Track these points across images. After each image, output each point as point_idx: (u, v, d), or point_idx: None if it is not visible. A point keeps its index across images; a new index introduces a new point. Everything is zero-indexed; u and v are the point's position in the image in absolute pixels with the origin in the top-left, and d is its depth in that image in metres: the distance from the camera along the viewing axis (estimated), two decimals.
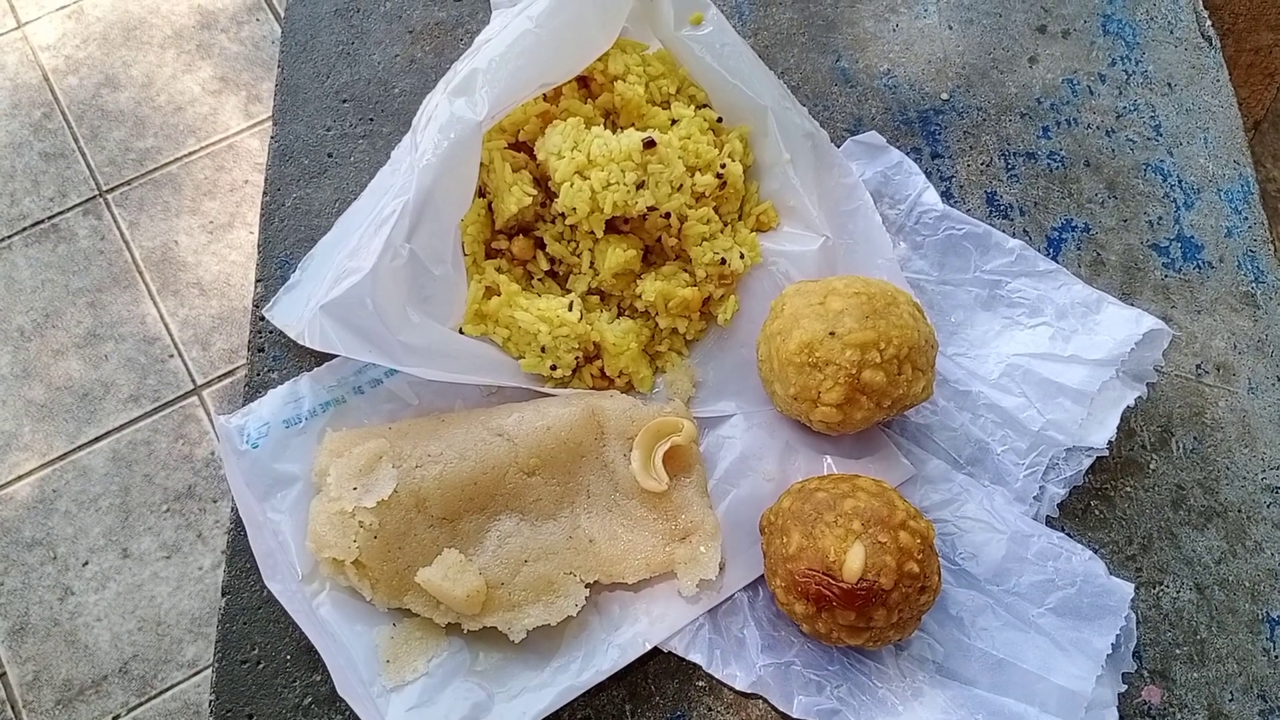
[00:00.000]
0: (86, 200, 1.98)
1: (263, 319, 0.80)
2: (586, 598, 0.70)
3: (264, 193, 0.85)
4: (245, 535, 0.71)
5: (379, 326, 0.71)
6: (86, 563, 1.69)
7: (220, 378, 1.79)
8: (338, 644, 0.69)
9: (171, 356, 1.84)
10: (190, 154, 2.03)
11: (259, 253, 0.83)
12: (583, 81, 0.81)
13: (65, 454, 1.76)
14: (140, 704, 1.61)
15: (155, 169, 2.02)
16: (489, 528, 0.71)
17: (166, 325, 1.87)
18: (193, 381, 1.81)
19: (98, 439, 1.77)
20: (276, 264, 0.83)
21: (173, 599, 1.67)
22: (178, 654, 1.64)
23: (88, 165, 2.02)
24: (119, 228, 1.96)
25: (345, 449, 0.72)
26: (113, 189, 2.00)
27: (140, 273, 1.91)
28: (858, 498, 0.66)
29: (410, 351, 0.72)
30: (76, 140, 2.04)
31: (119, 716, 1.60)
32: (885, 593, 0.63)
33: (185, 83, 2.09)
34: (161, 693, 1.62)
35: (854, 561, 0.63)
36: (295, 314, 0.77)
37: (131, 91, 2.10)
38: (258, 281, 0.82)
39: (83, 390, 1.81)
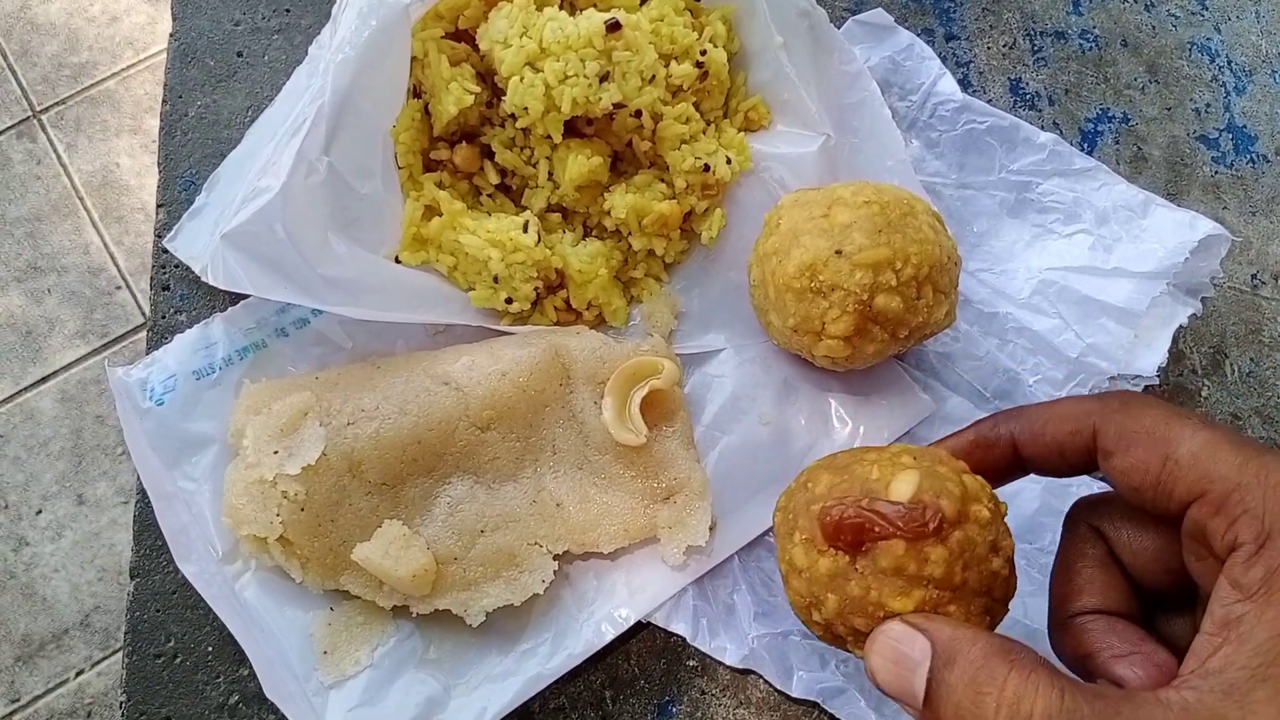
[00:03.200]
0: (19, 122, 1.83)
1: (165, 251, 0.68)
2: (555, 571, 0.60)
3: (163, 101, 0.72)
4: (153, 509, 0.60)
5: (294, 257, 0.59)
6: (40, 511, 1.59)
7: None
8: (266, 634, 0.59)
9: (119, 288, 1.72)
10: (129, 68, 1.87)
11: (159, 172, 0.70)
12: None
13: (10, 396, 1.65)
14: (105, 657, 1.53)
15: (92, 85, 1.86)
16: (437, 493, 0.60)
17: (111, 255, 1.74)
18: (142, 314, 1.70)
19: (44, 379, 1.66)
20: (180, 185, 0.70)
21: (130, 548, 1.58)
22: None
23: (19, 84, 1.86)
24: (55, 150, 1.81)
25: (265, 404, 0.60)
26: (47, 109, 1.84)
27: (81, 199, 1.77)
28: (907, 449, 0.49)
29: (334, 286, 0.60)
30: (5, 57, 1.88)
31: (82, 671, 1.52)
32: (948, 523, 0.44)
33: None
34: (123, 646, 1.54)
35: (905, 481, 0.45)
36: (200, 244, 0.65)
37: (63, 2, 1.93)
38: (159, 207, 0.69)
39: (25, 328, 1.69)
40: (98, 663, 1.52)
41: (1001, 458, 0.48)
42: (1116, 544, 0.47)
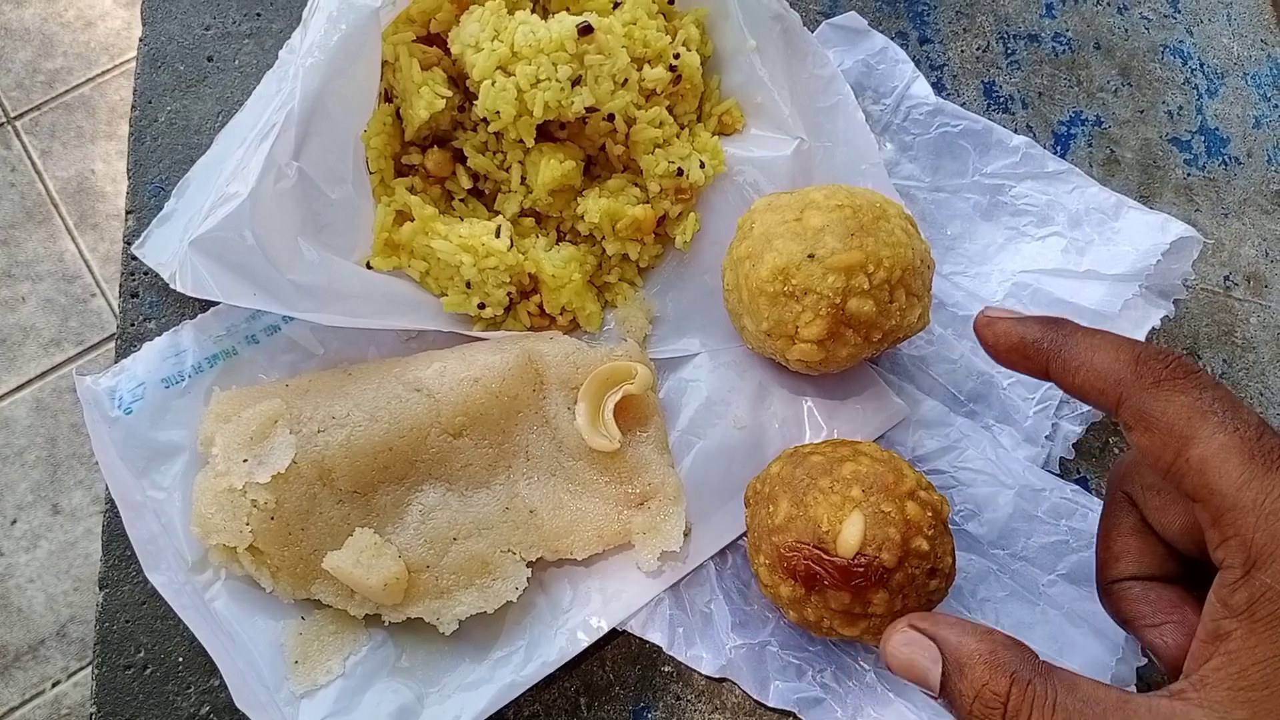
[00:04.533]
0: None
1: (134, 258, 0.67)
2: (529, 578, 0.59)
3: (133, 106, 0.71)
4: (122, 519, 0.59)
5: (263, 264, 0.58)
6: (15, 521, 1.57)
7: None
8: (236, 644, 0.58)
9: (94, 296, 1.70)
10: (104, 73, 1.86)
11: (129, 178, 0.69)
12: None
13: None
14: (82, 668, 1.51)
15: (66, 91, 1.85)
16: (409, 501, 0.60)
17: (86, 262, 1.72)
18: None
19: (18, 388, 1.64)
20: (149, 191, 0.69)
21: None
22: None
23: None
24: (30, 157, 1.80)
25: (234, 412, 0.60)
26: (21, 115, 1.83)
27: (55, 205, 1.76)
28: (859, 462, 0.55)
29: (304, 293, 0.60)
30: None
31: (59, 682, 1.50)
32: (887, 571, 0.51)
33: None
34: (93, 657, 1.52)
35: (851, 533, 0.52)
36: (169, 251, 0.65)
37: (37, 7, 1.92)
38: (128, 213, 0.69)
39: (0, 336, 1.67)
40: (74, 673, 1.51)
41: (1035, 369, 0.47)
42: (1147, 513, 0.49)
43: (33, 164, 1.80)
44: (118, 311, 0.67)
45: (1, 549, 1.56)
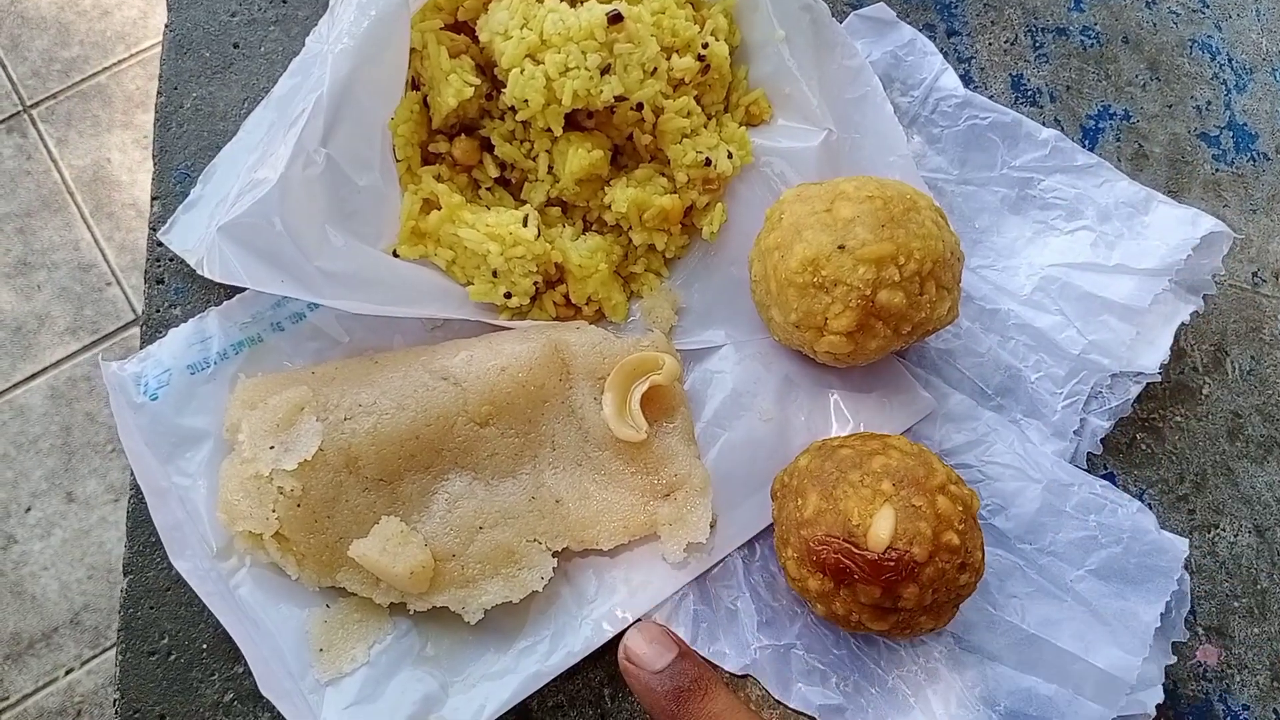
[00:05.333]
0: (9, 117, 1.81)
1: (160, 244, 0.67)
2: (554, 568, 0.59)
3: (158, 93, 0.71)
4: (147, 504, 0.59)
5: (291, 250, 0.58)
6: (29, 508, 1.57)
7: None
8: (261, 631, 0.58)
9: (109, 284, 1.70)
10: (119, 62, 1.85)
11: (154, 164, 0.69)
12: None
13: (0, 393, 1.63)
14: (94, 656, 1.51)
15: (82, 80, 1.84)
16: (435, 490, 0.60)
17: (102, 250, 1.72)
18: (133, 310, 1.68)
19: (34, 375, 1.64)
20: (175, 177, 0.69)
21: (123, 544, 1.56)
22: None
23: (9, 78, 1.84)
24: (46, 146, 1.79)
25: (260, 399, 0.59)
26: (37, 104, 1.83)
27: (71, 194, 1.76)
28: (889, 456, 0.54)
29: (332, 280, 0.59)
30: None
31: (72, 669, 1.50)
32: (918, 566, 0.51)
33: None
34: (116, 643, 1.53)
35: (881, 527, 0.51)
36: (195, 237, 0.64)
37: None
38: (154, 199, 0.68)
39: (15, 324, 1.67)
40: (87, 661, 1.51)
41: None
42: None
43: (49, 152, 1.79)
44: (141, 299, 0.67)
45: (16, 536, 1.56)
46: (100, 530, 1.57)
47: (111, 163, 1.78)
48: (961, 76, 0.74)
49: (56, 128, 1.81)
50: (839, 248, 0.57)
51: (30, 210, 1.75)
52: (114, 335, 1.68)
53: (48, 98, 1.83)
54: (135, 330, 1.66)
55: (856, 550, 0.52)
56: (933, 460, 0.56)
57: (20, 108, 1.83)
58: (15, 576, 1.55)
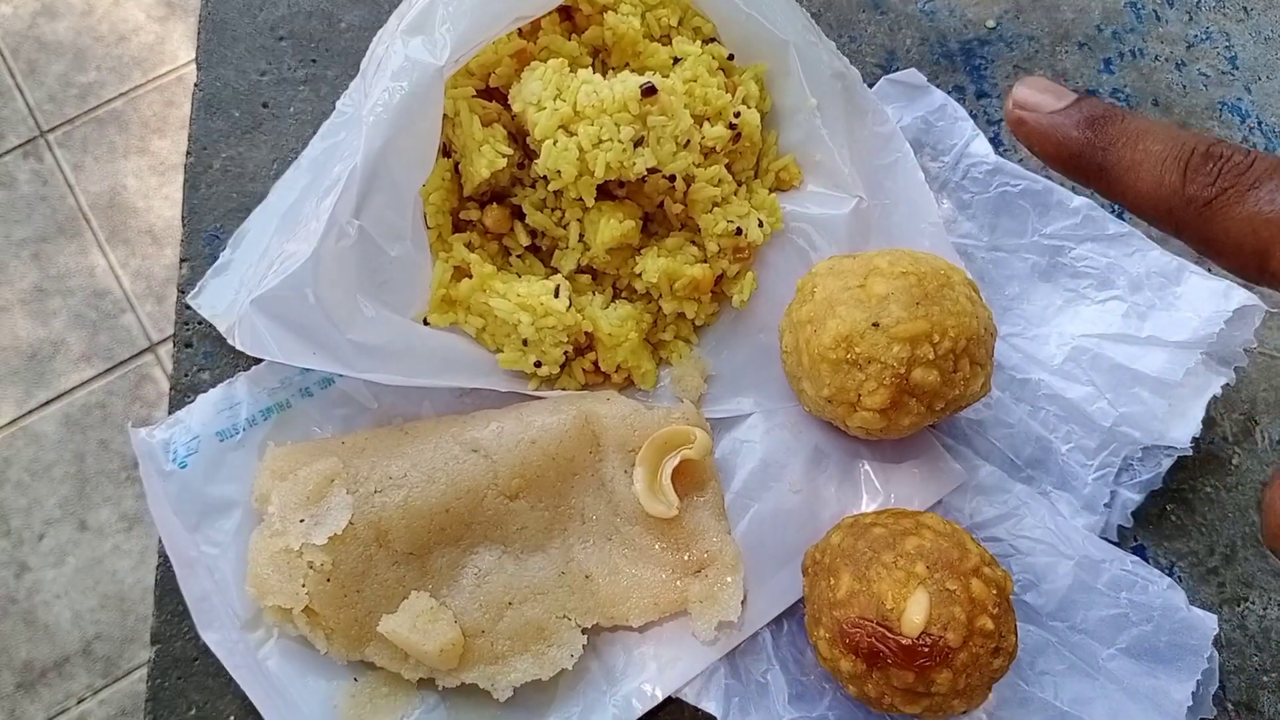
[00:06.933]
0: (26, 142, 1.82)
1: (188, 308, 0.67)
2: (584, 645, 0.59)
3: (187, 153, 0.71)
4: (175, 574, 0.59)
5: (324, 323, 0.58)
6: (42, 536, 1.58)
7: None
8: (288, 703, 0.58)
9: (124, 311, 1.71)
10: (136, 88, 1.86)
11: (183, 226, 0.69)
12: (566, 13, 0.67)
13: (14, 420, 1.63)
14: (105, 685, 1.51)
15: (99, 105, 1.85)
16: (465, 564, 0.59)
17: (118, 277, 1.72)
18: (148, 338, 1.68)
19: (48, 402, 1.65)
20: (204, 239, 0.69)
21: (135, 573, 1.56)
22: (143, 632, 1.53)
23: (26, 103, 1.85)
24: (62, 171, 1.80)
25: (290, 469, 0.59)
26: (54, 129, 1.83)
27: (87, 220, 1.76)
28: (922, 536, 0.54)
29: (363, 352, 0.59)
30: (12, 75, 1.87)
31: (84, 699, 1.50)
32: (951, 651, 0.51)
33: (128, 9, 1.91)
34: (128, 673, 1.52)
35: (916, 611, 0.51)
36: (225, 301, 0.64)
37: (71, 20, 1.92)
38: (182, 261, 0.69)
39: (30, 350, 1.67)
40: (99, 690, 1.51)
41: (1079, 179, 0.41)
42: None
43: (65, 177, 1.80)
44: (172, 361, 0.67)
45: (28, 564, 1.56)
46: (113, 559, 1.57)
47: (128, 188, 1.79)
48: (991, 139, 0.74)
49: (73, 153, 1.82)
50: (873, 325, 0.57)
51: (46, 236, 1.75)
52: (128, 362, 1.68)
53: (64, 123, 1.84)
54: (149, 357, 1.66)
55: (890, 635, 0.52)
56: (966, 540, 0.55)
57: (37, 133, 1.83)
58: (28, 604, 1.55)
